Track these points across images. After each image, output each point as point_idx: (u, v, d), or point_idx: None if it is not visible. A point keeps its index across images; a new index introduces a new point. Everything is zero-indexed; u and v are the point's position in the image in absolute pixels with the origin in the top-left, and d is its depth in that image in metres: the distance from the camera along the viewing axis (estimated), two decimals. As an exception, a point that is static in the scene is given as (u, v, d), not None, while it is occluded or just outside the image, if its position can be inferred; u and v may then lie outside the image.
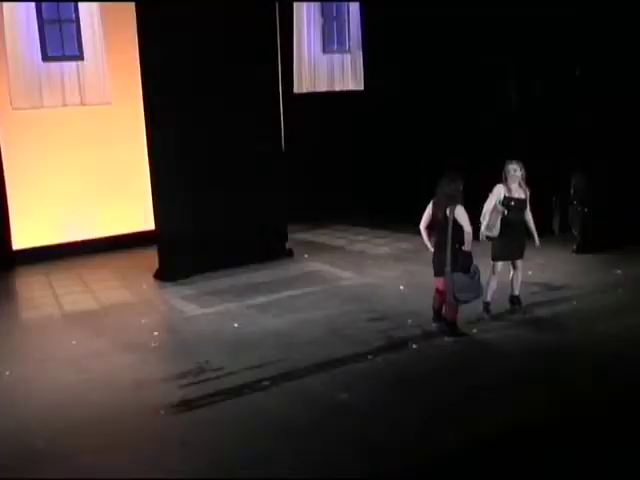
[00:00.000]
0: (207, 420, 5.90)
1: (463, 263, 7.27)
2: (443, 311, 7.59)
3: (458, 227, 7.22)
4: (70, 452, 5.44)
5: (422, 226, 7.55)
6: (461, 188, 7.31)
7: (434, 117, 11.94)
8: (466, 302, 7.42)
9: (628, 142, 10.26)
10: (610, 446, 5.19)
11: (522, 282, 8.07)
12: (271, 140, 10.75)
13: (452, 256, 7.25)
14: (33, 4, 10.46)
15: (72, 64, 10.90)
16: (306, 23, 12.89)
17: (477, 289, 7.39)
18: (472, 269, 7.30)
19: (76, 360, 7.24)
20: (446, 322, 7.53)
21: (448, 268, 7.26)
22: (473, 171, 11.56)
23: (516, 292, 8.05)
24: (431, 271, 7.55)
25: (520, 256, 7.94)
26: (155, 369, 6.94)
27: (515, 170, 7.72)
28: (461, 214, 7.21)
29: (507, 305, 8.07)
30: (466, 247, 7.25)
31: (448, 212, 7.22)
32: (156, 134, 9.71)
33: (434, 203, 7.43)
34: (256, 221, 10.50)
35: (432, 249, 7.53)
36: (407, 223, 11.91)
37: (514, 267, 7.99)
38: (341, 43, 13.51)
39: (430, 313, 7.70)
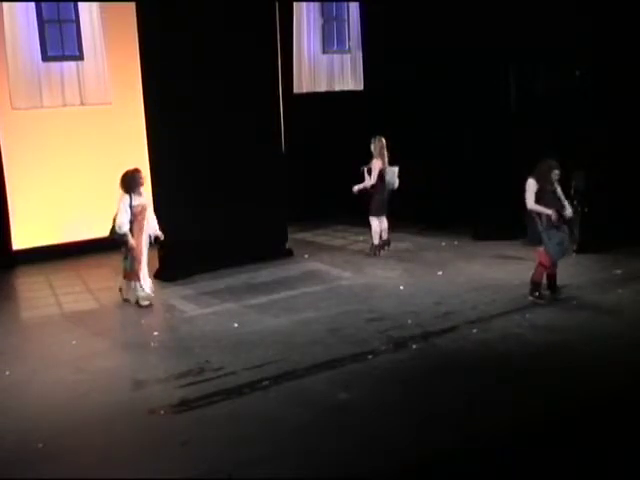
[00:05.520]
0: (207, 420, 5.89)
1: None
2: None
3: None
4: (70, 452, 5.43)
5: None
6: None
7: (434, 117, 11.94)
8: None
9: (628, 142, 10.25)
10: (610, 446, 5.18)
11: (523, 282, 8.05)
12: (271, 140, 10.76)
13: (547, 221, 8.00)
14: (33, 4, 10.46)
15: (72, 64, 10.88)
16: (306, 23, 12.88)
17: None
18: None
19: (76, 360, 7.23)
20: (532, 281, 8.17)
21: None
22: (473, 170, 11.67)
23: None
24: (431, 271, 7.55)
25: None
26: (155, 369, 6.93)
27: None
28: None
29: (506, 305, 8.07)
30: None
31: None
32: (156, 134, 9.71)
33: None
34: (256, 221, 10.50)
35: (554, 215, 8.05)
36: (407, 223, 12.01)
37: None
38: (341, 43, 13.49)
39: (429, 314, 7.68)
